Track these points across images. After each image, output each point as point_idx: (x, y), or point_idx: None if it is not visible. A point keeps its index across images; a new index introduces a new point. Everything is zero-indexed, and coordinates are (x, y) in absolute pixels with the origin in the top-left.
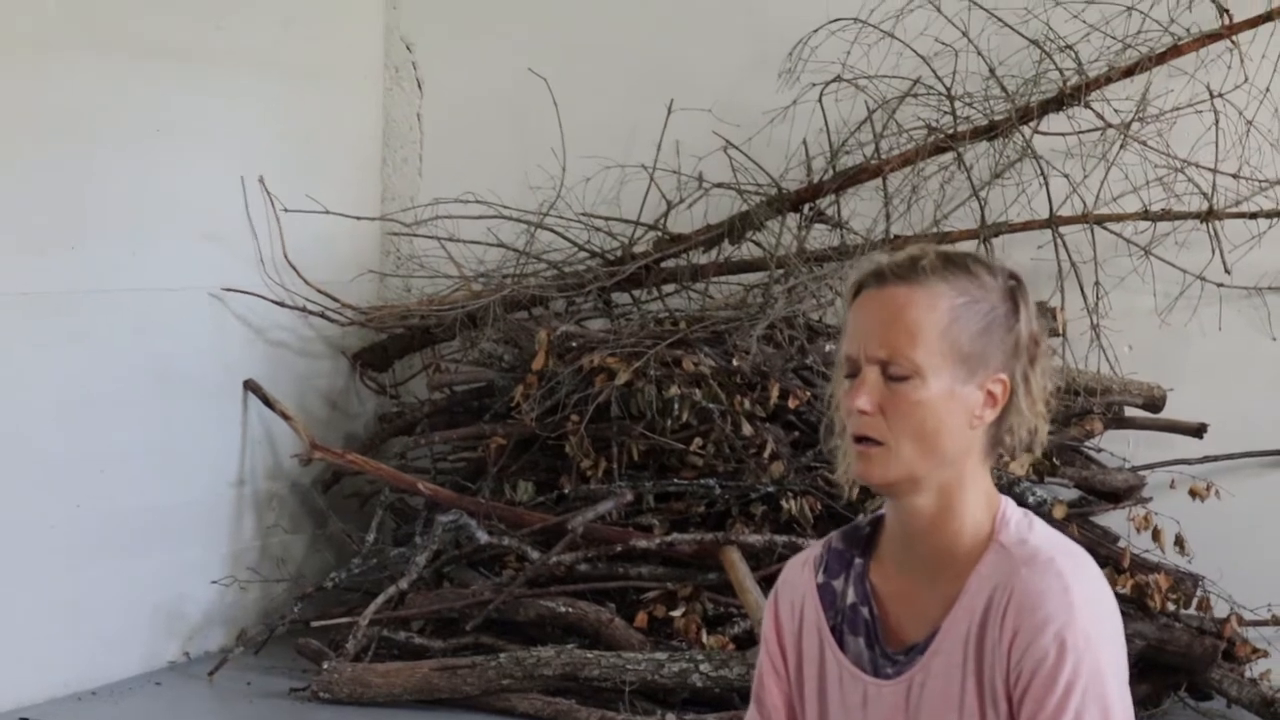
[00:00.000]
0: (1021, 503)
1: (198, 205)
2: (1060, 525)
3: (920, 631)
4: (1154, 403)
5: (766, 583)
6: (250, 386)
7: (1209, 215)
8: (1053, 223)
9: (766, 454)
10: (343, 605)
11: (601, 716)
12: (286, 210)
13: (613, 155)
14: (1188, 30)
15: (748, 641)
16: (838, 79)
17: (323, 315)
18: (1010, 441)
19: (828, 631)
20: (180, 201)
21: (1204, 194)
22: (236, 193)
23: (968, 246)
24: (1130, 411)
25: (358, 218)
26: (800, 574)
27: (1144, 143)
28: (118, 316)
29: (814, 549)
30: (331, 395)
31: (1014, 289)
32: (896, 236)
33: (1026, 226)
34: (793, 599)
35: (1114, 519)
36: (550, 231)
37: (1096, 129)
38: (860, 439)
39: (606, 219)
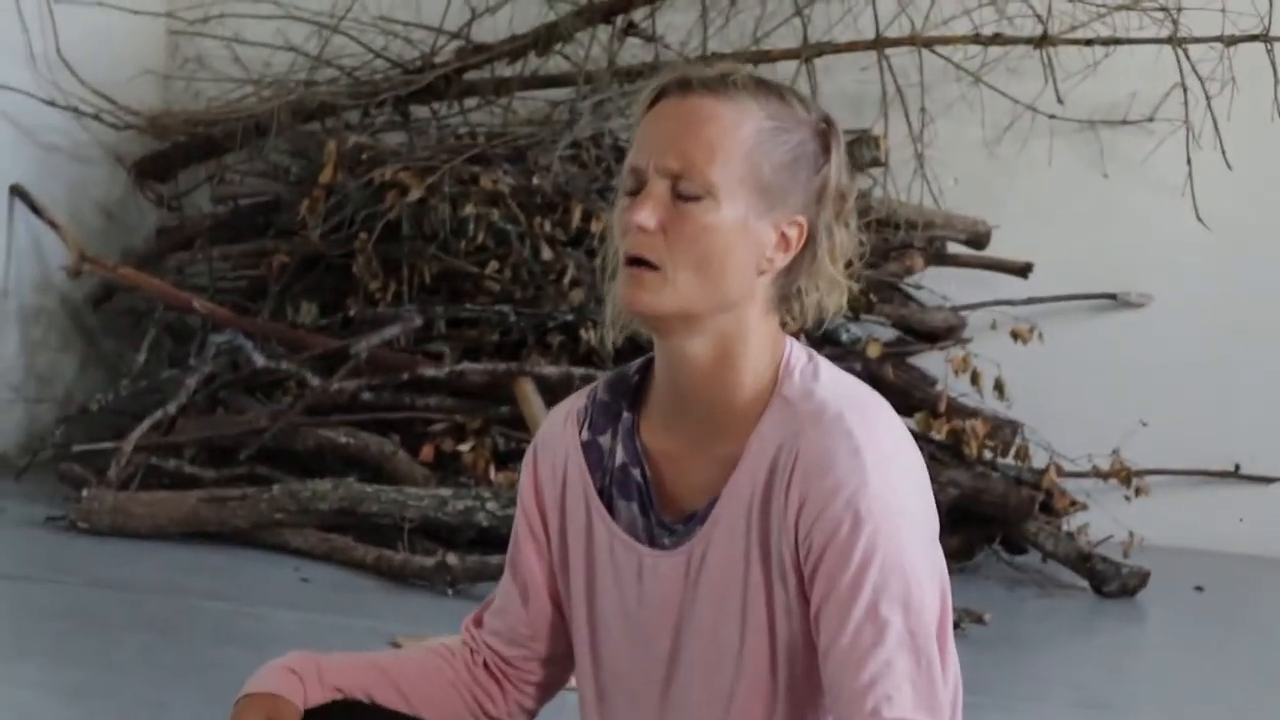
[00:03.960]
0: (834, 341)
1: None
2: (875, 365)
3: (699, 498)
4: (978, 239)
5: None
6: (16, 191)
7: (1043, 41)
8: (878, 44)
9: (566, 280)
10: (113, 430)
11: (379, 555)
12: (57, 1)
13: None
14: None
15: None
16: None
17: (97, 118)
18: (800, 301)
19: (595, 494)
20: None
21: (1039, 17)
22: None
23: (789, 68)
24: (953, 248)
25: (136, 12)
26: (562, 430)
27: None
28: None
29: (576, 401)
30: (108, 205)
31: (826, 131)
32: (713, 53)
33: (851, 47)
34: (554, 458)
35: (932, 360)
36: (345, 35)
37: None
38: (634, 260)
39: (406, 24)
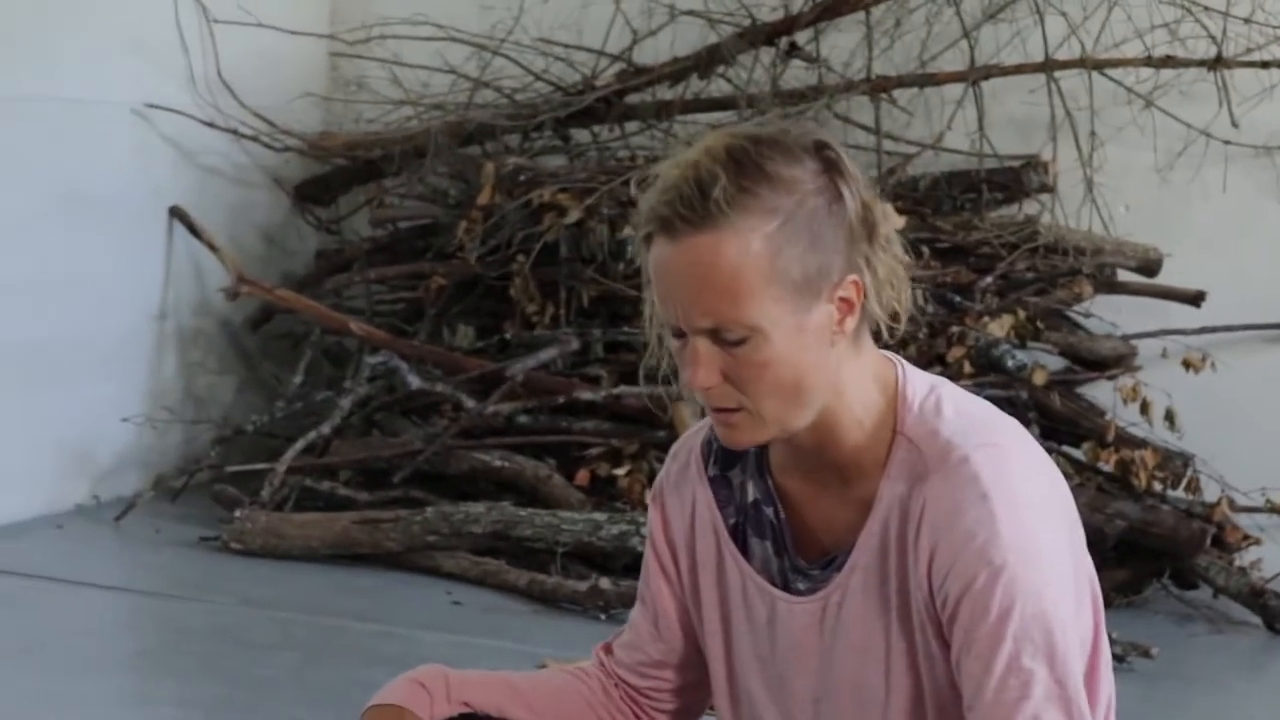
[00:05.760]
0: (1000, 368)
1: (118, 8)
2: (1041, 393)
3: (835, 540)
4: (1149, 266)
5: None
6: (176, 213)
7: (1217, 63)
8: (1047, 66)
9: None
10: (268, 451)
11: (531, 579)
12: (216, 21)
13: None
14: None
15: None
16: None
17: (257, 140)
18: (876, 320)
19: (726, 533)
20: (98, 2)
21: (1213, 39)
22: None
23: (955, 90)
24: (1123, 275)
25: (294, 32)
26: (689, 463)
27: None
28: (25, 127)
29: (699, 432)
30: (269, 229)
31: (826, 160)
32: (878, 76)
33: (1019, 70)
34: (681, 493)
35: (1100, 390)
36: (505, 58)
37: None
38: (717, 409)
39: (567, 47)
